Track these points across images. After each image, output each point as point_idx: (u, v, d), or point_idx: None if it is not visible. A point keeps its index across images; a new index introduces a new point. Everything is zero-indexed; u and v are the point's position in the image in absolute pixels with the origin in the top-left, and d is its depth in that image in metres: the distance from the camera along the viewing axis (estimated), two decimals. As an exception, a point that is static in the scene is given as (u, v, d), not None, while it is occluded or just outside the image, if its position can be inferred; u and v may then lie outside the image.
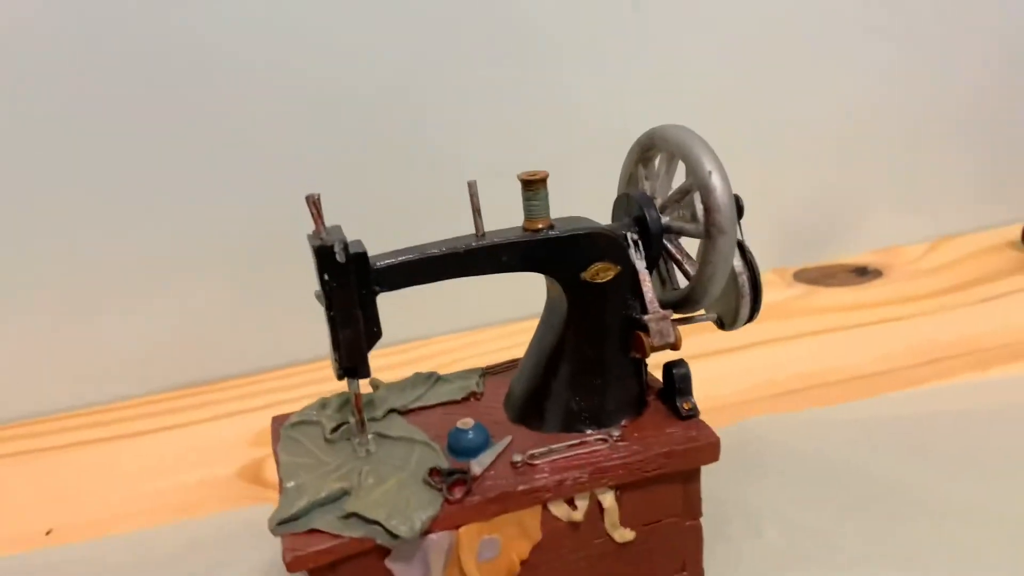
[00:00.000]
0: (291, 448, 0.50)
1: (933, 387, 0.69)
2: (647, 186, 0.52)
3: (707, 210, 0.45)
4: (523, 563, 0.45)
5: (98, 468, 0.70)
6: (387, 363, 0.82)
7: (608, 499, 0.46)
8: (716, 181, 0.45)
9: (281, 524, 0.43)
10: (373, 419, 0.51)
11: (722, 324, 0.51)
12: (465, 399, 0.53)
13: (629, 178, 0.53)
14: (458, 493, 0.44)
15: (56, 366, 0.79)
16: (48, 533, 0.62)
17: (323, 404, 0.54)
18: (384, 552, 0.43)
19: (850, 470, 0.59)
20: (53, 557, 0.59)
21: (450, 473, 0.45)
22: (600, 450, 0.46)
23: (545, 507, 0.45)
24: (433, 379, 0.56)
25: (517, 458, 0.46)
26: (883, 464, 0.59)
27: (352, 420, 0.49)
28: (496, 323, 0.89)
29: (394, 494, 0.44)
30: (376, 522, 0.42)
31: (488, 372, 0.57)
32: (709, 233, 0.45)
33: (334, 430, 0.50)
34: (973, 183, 1.02)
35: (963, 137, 0.99)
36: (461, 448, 0.47)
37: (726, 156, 0.46)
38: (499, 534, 0.45)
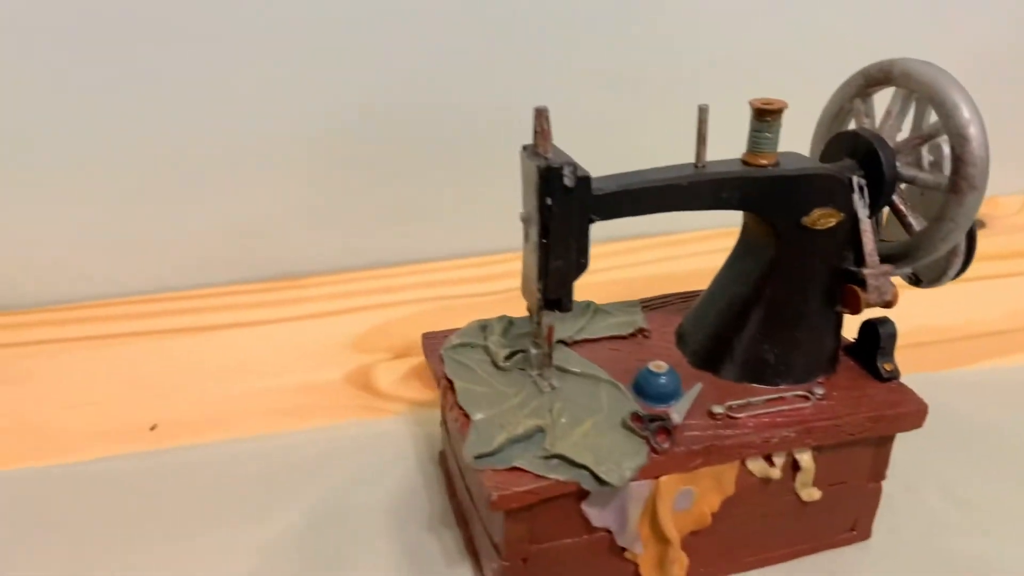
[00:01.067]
0: (461, 373, 0.46)
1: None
2: (866, 124, 0.47)
3: (959, 162, 0.41)
4: (712, 516, 0.44)
5: (192, 360, 0.66)
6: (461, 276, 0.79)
7: (806, 459, 0.44)
8: (974, 131, 0.41)
9: (480, 458, 0.41)
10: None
11: (917, 281, 0.48)
12: (632, 335, 0.50)
13: (838, 112, 0.49)
14: (663, 442, 0.41)
15: (138, 248, 0.74)
16: (153, 428, 0.59)
17: (483, 327, 0.50)
18: (582, 495, 0.41)
19: (1010, 434, 0.58)
20: (179, 457, 0.56)
21: (652, 420, 0.43)
22: (804, 408, 0.44)
23: (743, 462, 0.44)
24: (592, 309, 0.52)
25: (718, 409, 0.43)
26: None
27: (533, 351, 0.46)
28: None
29: (595, 438, 0.41)
30: (584, 467, 0.40)
31: (647, 306, 0.54)
32: (957, 187, 0.42)
33: (507, 358, 0.47)
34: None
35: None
36: (653, 392, 0.44)
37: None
38: (695, 486, 0.43)
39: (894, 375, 0.46)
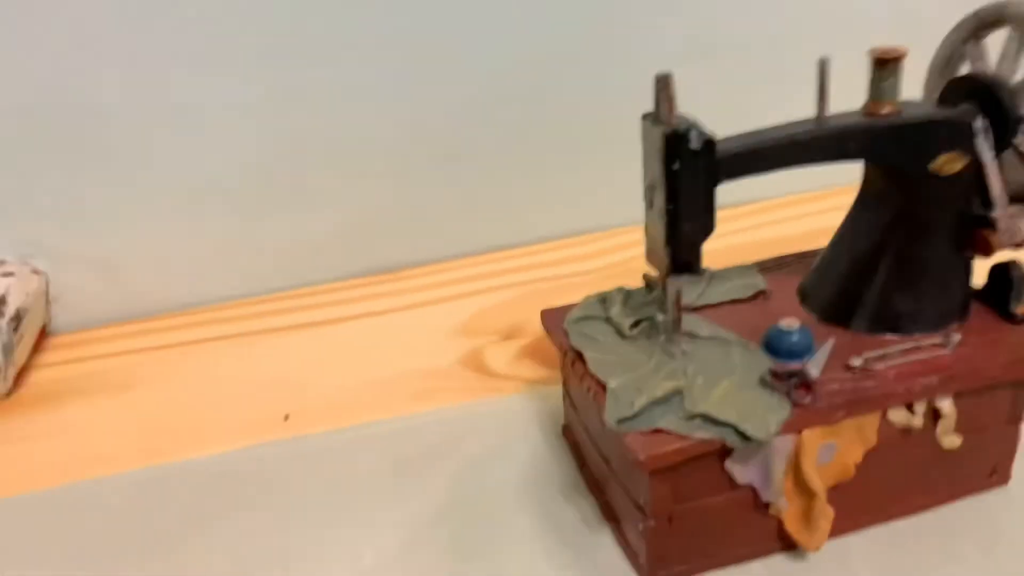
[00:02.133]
0: (590, 345, 0.48)
1: None
2: (979, 67, 0.47)
3: (1085, 97, 0.41)
4: (855, 468, 0.44)
5: (311, 355, 0.69)
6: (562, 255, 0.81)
7: (947, 406, 0.44)
8: (1102, 64, 0.40)
9: (622, 422, 0.42)
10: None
11: (1044, 223, 0.48)
12: (753, 297, 0.51)
13: (950, 57, 0.48)
14: (804, 397, 0.42)
15: (246, 254, 0.77)
16: (286, 418, 0.62)
17: (603, 299, 0.51)
18: (725, 453, 0.42)
19: None
20: (314, 444, 0.58)
21: (790, 375, 0.43)
22: (942, 356, 0.44)
23: (884, 413, 0.44)
24: (708, 275, 0.53)
25: (855, 362, 0.43)
26: None
27: (660, 317, 0.47)
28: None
29: (735, 397, 0.42)
30: (728, 424, 0.41)
31: (762, 268, 0.54)
32: (1090, 125, 0.41)
33: (633, 326, 0.48)
34: None
35: None
36: (785, 350, 0.44)
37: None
38: (837, 439, 0.43)
39: (1030, 317, 0.45)
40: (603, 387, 0.44)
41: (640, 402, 0.42)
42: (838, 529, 0.46)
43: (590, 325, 0.50)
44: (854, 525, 0.46)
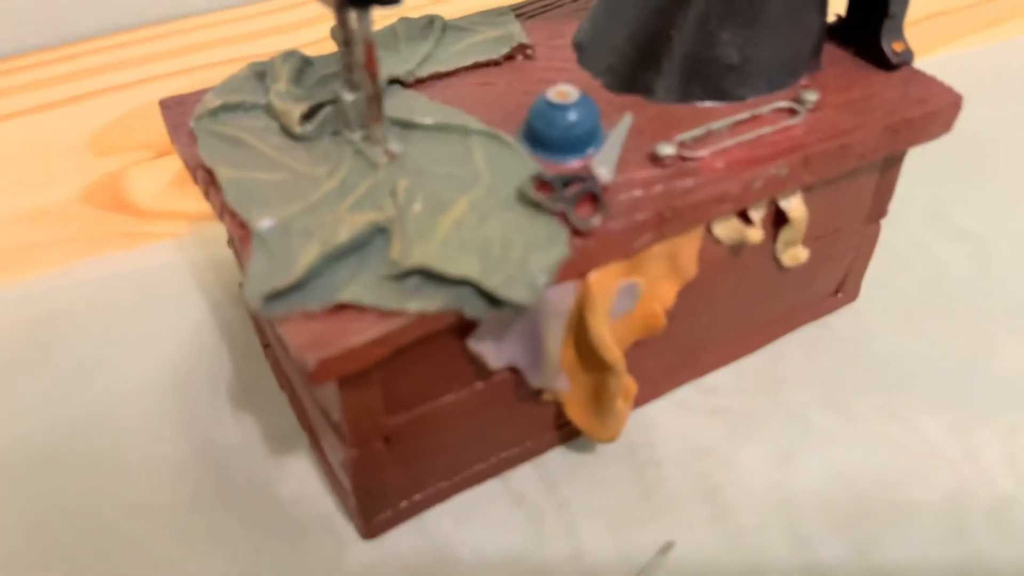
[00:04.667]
0: (229, 154, 0.27)
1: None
2: None
3: None
4: (667, 313, 0.29)
5: None
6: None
7: (796, 205, 0.29)
8: None
9: (273, 299, 0.23)
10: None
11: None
12: (509, 57, 0.32)
13: None
14: (589, 217, 0.25)
15: None
16: None
17: (259, 73, 0.30)
18: (466, 328, 0.25)
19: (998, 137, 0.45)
20: None
21: (566, 183, 0.25)
22: (794, 127, 0.28)
23: (708, 227, 0.28)
24: (439, 26, 0.33)
25: (665, 149, 0.27)
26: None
27: (348, 96, 0.27)
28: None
29: (476, 228, 0.24)
30: (464, 280, 0.23)
31: (520, 14, 0.35)
32: None
33: (306, 116, 0.28)
34: None
35: None
36: (558, 138, 0.27)
37: None
38: (642, 275, 0.27)
39: (906, 58, 0.30)
40: (248, 231, 0.25)
41: (307, 257, 0.23)
42: (641, 398, 0.32)
43: (236, 120, 0.28)
44: (663, 389, 0.32)
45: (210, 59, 0.52)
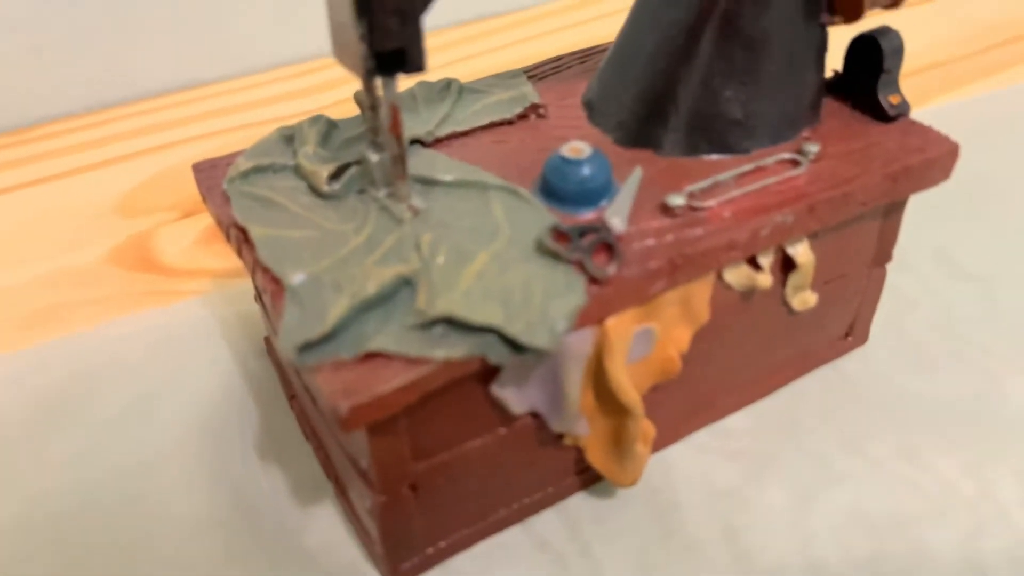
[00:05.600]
0: (260, 213, 0.28)
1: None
2: None
3: None
4: (682, 357, 0.30)
5: None
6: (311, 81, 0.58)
7: (802, 251, 0.30)
8: None
9: (306, 349, 0.24)
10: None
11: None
12: (523, 117, 0.33)
13: None
14: (605, 265, 0.26)
15: None
16: None
17: (288, 137, 0.32)
18: (488, 373, 0.26)
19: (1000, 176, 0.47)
20: None
21: (582, 233, 0.27)
22: (795, 178, 0.29)
23: (719, 273, 0.29)
24: (455, 89, 0.35)
25: (675, 200, 0.28)
26: None
27: (373, 157, 0.28)
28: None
29: (497, 278, 0.25)
30: (488, 327, 0.24)
31: (532, 76, 0.37)
32: None
33: (333, 176, 0.29)
34: None
35: None
36: (572, 191, 0.28)
37: None
38: (656, 321, 0.28)
39: (903, 110, 0.32)
40: (280, 285, 0.26)
41: (338, 309, 0.24)
42: (660, 442, 0.32)
43: (266, 180, 0.30)
44: (682, 433, 0.33)
45: (232, 123, 0.55)
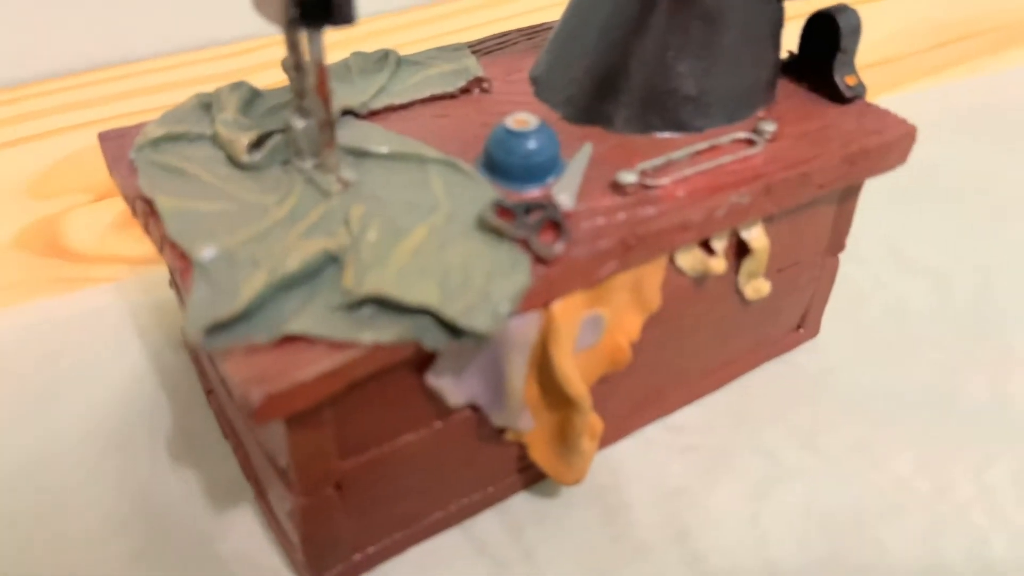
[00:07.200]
0: (170, 184, 0.25)
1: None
2: None
3: None
4: (632, 346, 0.28)
5: None
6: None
7: (756, 235, 0.29)
8: None
9: (215, 331, 0.21)
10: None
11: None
12: (466, 91, 0.31)
13: None
14: (552, 244, 0.24)
15: None
16: None
17: (206, 103, 0.29)
18: (423, 360, 0.24)
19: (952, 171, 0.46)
20: None
21: (527, 210, 0.25)
22: (753, 157, 0.28)
23: (671, 257, 0.27)
24: (393, 60, 0.32)
25: (627, 177, 0.26)
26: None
27: (299, 123, 0.26)
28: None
29: (434, 255, 0.23)
30: (423, 309, 0.22)
31: (476, 50, 0.35)
32: None
33: (255, 145, 0.27)
34: None
35: None
36: (518, 165, 0.26)
37: None
38: (606, 307, 0.26)
39: (859, 92, 0.31)
40: (189, 262, 0.23)
41: (253, 287, 0.22)
42: (607, 438, 0.30)
43: (180, 149, 0.27)
44: (630, 427, 0.31)
45: (158, 103, 0.51)
